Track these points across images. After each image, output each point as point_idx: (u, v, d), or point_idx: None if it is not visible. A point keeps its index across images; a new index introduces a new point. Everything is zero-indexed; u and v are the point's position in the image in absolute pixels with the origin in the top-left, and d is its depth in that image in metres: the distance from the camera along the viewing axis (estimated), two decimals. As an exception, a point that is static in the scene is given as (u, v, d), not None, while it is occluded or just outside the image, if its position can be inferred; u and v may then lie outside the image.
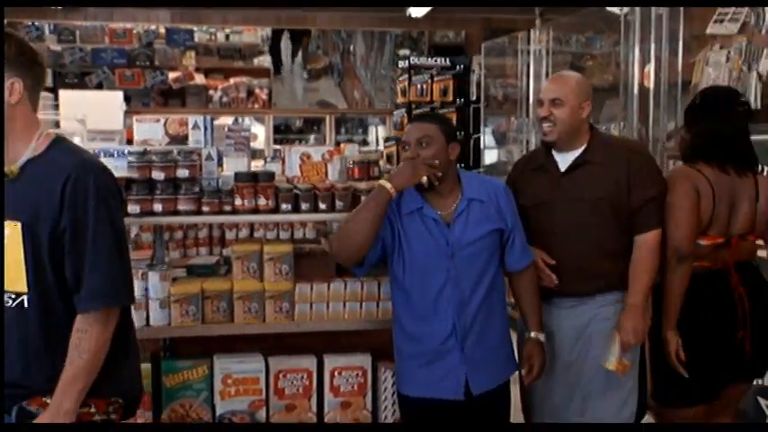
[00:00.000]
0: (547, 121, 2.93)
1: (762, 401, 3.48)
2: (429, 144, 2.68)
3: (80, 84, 8.93)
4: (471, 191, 2.75)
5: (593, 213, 2.89)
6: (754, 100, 4.58)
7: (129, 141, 3.76)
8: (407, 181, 2.66)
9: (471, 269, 2.71)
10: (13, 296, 2.11)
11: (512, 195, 2.88)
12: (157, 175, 3.14)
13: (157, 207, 3.12)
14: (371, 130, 10.71)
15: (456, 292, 2.70)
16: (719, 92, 3.25)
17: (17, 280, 2.10)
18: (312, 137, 10.45)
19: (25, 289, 2.10)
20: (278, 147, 7.82)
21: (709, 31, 5.01)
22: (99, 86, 9.01)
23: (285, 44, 10.32)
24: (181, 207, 3.15)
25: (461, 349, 2.71)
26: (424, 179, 2.67)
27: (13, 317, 2.11)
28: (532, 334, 2.86)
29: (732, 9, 4.85)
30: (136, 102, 9.01)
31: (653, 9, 5.23)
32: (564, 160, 2.97)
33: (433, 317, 2.72)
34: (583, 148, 2.96)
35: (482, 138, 7.35)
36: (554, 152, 2.99)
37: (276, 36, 10.28)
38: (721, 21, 4.93)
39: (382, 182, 2.67)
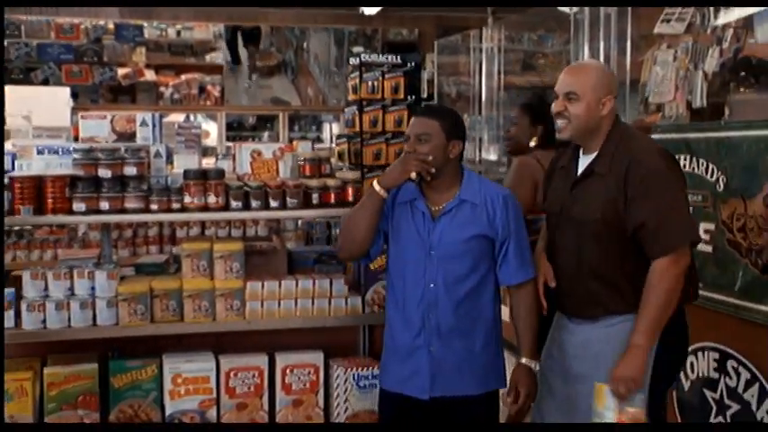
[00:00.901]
0: (560, 117, 2.64)
1: (708, 393, 3.55)
2: (427, 141, 2.67)
3: (25, 80, 8.73)
4: (467, 192, 2.72)
5: (589, 236, 2.62)
6: (701, 98, 4.67)
7: (77, 139, 3.68)
8: (396, 180, 2.67)
9: (449, 270, 2.68)
10: None
11: (514, 203, 2.75)
12: (104, 172, 3.09)
13: (104, 205, 3.07)
14: (326, 127, 10.69)
15: (429, 289, 2.70)
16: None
17: None
18: (266, 134, 10.38)
19: None
20: (230, 144, 7.75)
21: (656, 30, 5.09)
22: (45, 82, 8.83)
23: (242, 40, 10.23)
24: (128, 205, 3.10)
25: (428, 349, 2.71)
26: (413, 174, 2.67)
27: None
28: (523, 360, 2.73)
29: (679, 9, 4.94)
30: (84, 98, 8.84)
31: (602, 9, 5.30)
32: (582, 165, 2.70)
33: (406, 310, 2.74)
34: (597, 153, 2.65)
35: (435, 135, 7.40)
36: (580, 152, 2.73)
37: (233, 32, 10.19)
38: (668, 21, 5.02)
39: (374, 182, 2.70)
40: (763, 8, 4.17)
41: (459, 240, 2.68)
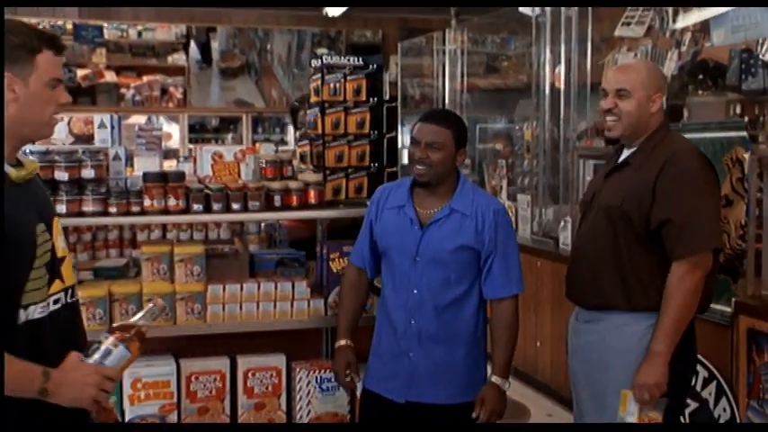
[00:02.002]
0: (610, 114, 2.62)
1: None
2: (439, 149, 2.66)
3: (-18, 80, 8.58)
4: (459, 202, 2.71)
5: (605, 221, 2.61)
6: (660, 100, 4.73)
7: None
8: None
9: (433, 278, 2.68)
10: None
11: (505, 217, 2.75)
12: (61, 175, 3.04)
13: (61, 208, 3.02)
14: (289, 129, 10.63)
15: (413, 295, 2.70)
16: None
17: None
18: (229, 136, 10.30)
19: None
20: (192, 146, 7.69)
21: (616, 33, 5.16)
22: (3, 83, 8.68)
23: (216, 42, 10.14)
24: (86, 208, 3.06)
25: (408, 353, 2.72)
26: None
27: None
28: (493, 378, 2.71)
29: (638, 12, 5.01)
30: (43, 99, 8.70)
31: (563, 11, 5.36)
32: (623, 158, 2.70)
33: (390, 314, 2.76)
34: (636, 147, 2.65)
35: (399, 137, 7.40)
36: (624, 149, 2.72)
37: (207, 32, 10.09)
38: (628, 24, 5.09)
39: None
40: (719, 12, 4.24)
41: (445, 249, 2.68)
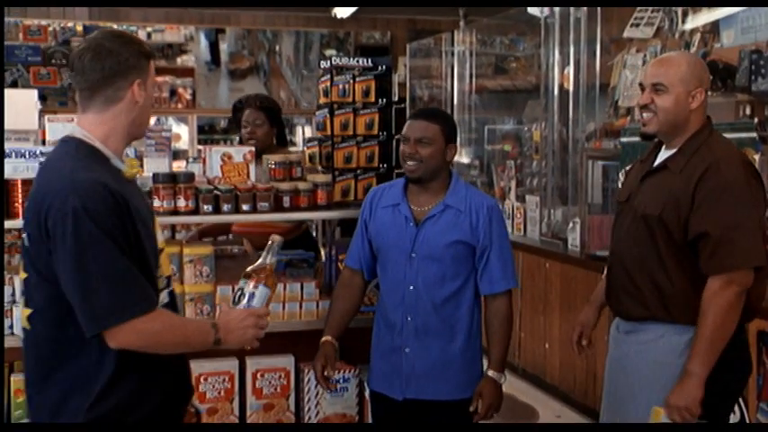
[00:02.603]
0: (646, 109, 2.47)
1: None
2: (428, 144, 2.71)
3: (-6, 82, 8.62)
4: (452, 198, 2.74)
5: (644, 229, 2.47)
6: (669, 102, 4.72)
7: (45, 142, 3.63)
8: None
9: (429, 274, 2.71)
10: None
11: (499, 213, 2.78)
12: (71, 175, 3.04)
13: (72, 209, 3.03)
14: (298, 130, 10.65)
15: (409, 291, 2.73)
16: None
17: None
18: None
19: None
20: (201, 147, 7.70)
21: (625, 34, 5.15)
22: (14, 85, 8.71)
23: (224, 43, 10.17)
24: (97, 209, 3.06)
25: (404, 350, 2.74)
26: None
27: None
28: (489, 372, 2.74)
29: (647, 13, 5.00)
30: (52, 101, 8.73)
31: (572, 12, 5.34)
32: (660, 159, 2.55)
33: (387, 311, 2.79)
34: (677, 149, 2.49)
35: (407, 138, 7.40)
36: (663, 146, 2.58)
37: (216, 33, 10.13)
38: (637, 25, 5.08)
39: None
40: (729, 13, 4.23)
41: (440, 245, 2.70)
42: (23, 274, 2.00)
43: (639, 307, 2.51)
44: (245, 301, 2.11)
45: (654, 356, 2.49)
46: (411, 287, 2.72)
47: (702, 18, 4.53)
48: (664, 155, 2.54)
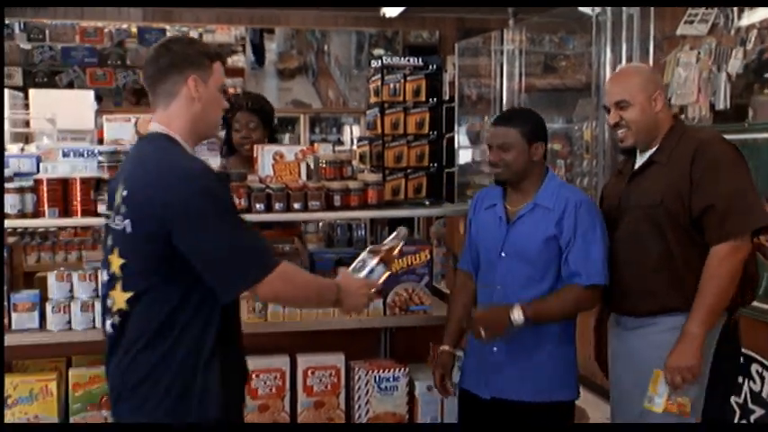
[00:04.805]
0: (618, 127, 2.64)
1: (731, 398, 3.52)
2: (509, 149, 2.73)
3: (50, 83, 8.82)
4: (542, 196, 2.75)
5: (648, 221, 2.55)
6: (724, 100, 4.63)
7: (101, 141, 3.71)
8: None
9: (517, 275, 2.72)
10: None
11: (589, 209, 2.70)
12: (128, 174, 3.11)
13: (128, 207, 3.09)
14: (346, 129, 10.70)
15: (497, 291, 2.75)
16: None
17: None
18: (287, 136, 10.41)
19: None
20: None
21: (679, 31, 5.06)
22: (70, 85, 8.91)
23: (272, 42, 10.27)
24: (152, 207, 3.11)
25: (494, 347, 2.75)
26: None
27: None
28: (515, 309, 2.63)
29: (702, 10, 4.91)
30: (108, 101, 8.92)
31: (624, 10, 5.28)
32: (639, 162, 2.68)
33: (481, 308, 2.79)
34: (657, 147, 2.63)
35: (456, 137, 7.38)
36: (638, 153, 2.71)
37: (261, 33, 10.24)
38: (691, 22, 4.99)
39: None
40: (787, 9, 4.13)
41: (528, 244, 2.72)
42: (120, 260, 2.11)
43: (653, 301, 2.55)
44: (365, 272, 2.34)
45: (669, 347, 2.49)
46: (498, 287, 2.75)
47: (759, 14, 4.44)
48: (642, 158, 2.66)
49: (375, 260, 2.36)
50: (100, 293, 3.07)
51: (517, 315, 2.63)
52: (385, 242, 2.42)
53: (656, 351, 2.53)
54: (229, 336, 2.18)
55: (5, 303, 2.99)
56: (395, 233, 2.49)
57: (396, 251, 2.42)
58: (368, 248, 2.44)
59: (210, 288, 2.05)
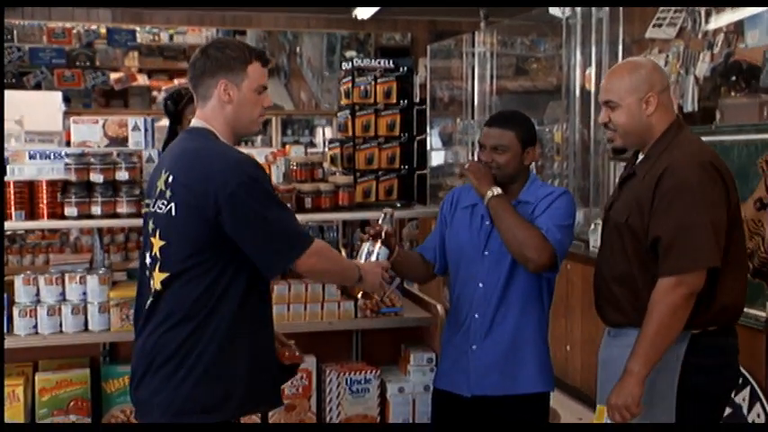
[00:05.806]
0: (607, 127, 2.51)
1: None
2: (504, 151, 2.71)
3: (18, 84, 8.70)
4: (525, 194, 2.76)
5: (617, 236, 2.48)
6: (692, 102, 4.69)
7: (69, 143, 3.67)
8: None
9: (499, 269, 2.72)
10: None
11: (567, 200, 2.71)
12: (96, 177, 3.08)
13: (96, 210, 3.07)
14: (318, 131, 10.68)
15: (478, 289, 2.74)
16: None
17: None
18: (258, 138, 10.37)
19: None
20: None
21: (648, 35, 5.12)
22: (38, 87, 8.80)
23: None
24: (120, 210, 3.09)
25: (473, 345, 2.75)
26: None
27: None
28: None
29: (670, 14, 4.97)
30: (76, 103, 8.82)
31: (593, 12, 5.32)
32: (637, 162, 2.57)
33: (456, 309, 2.80)
34: (644, 155, 2.50)
35: (428, 139, 7.39)
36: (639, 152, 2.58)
37: (234, 36, 10.19)
38: (660, 25, 5.05)
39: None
40: (753, 13, 4.19)
41: None
42: (160, 242, 2.23)
43: (617, 313, 2.50)
44: (372, 257, 2.56)
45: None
46: (480, 284, 2.74)
47: (726, 18, 4.50)
48: (638, 160, 2.54)
49: (377, 245, 2.57)
50: (67, 297, 3.05)
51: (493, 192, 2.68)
52: (376, 226, 2.62)
53: (624, 361, 2.43)
54: (259, 319, 2.32)
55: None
56: (381, 216, 2.65)
57: (389, 231, 2.62)
58: (364, 233, 2.64)
59: (252, 267, 2.22)
